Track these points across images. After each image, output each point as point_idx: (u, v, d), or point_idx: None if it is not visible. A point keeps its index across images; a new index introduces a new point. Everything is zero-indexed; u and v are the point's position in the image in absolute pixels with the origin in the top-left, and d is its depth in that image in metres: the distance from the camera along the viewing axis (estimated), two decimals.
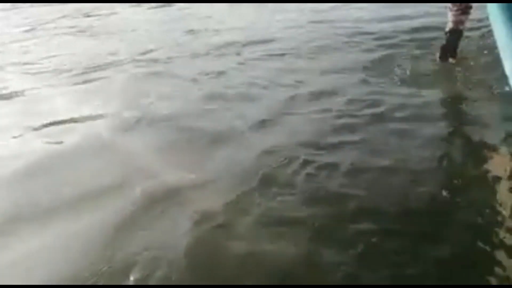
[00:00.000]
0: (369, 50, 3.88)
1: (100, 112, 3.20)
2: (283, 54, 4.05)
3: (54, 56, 5.01)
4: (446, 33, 3.29)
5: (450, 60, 3.33)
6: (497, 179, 1.93)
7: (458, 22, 3.21)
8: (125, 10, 7.59)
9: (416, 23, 4.37)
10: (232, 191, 2.04)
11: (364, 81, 3.23)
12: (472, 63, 3.31)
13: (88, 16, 7.41)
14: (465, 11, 3.16)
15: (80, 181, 2.33)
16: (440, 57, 3.35)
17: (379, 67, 3.45)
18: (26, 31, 6.73)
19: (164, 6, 7.39)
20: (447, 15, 3.25)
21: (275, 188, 2.03)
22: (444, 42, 3.32)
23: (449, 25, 3.25)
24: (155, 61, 4.35)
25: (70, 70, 4.35)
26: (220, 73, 3.74)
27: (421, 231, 1.69)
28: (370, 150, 2.29)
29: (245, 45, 4.49)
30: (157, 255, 1.71)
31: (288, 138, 2.49)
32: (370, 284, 1.48)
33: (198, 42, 4.90)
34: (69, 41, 5.75)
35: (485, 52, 3.35)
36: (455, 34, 3.26)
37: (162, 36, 5.41)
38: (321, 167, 2.14)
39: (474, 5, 3.14)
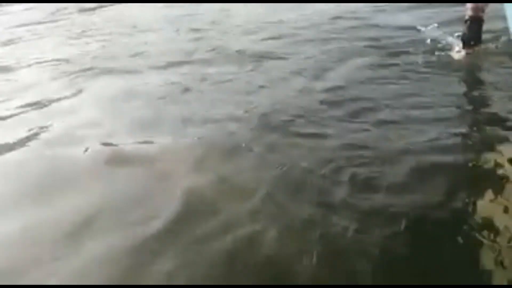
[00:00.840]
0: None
1: None
2: None
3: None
4: (466, 21, 3.21)
5: (475, 48, 3.25)
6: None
7: (478, 9, 3.12)
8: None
9: None
10: None
11: None
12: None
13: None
14: None
15: None
16: (464, 46, 3.27)
17: None
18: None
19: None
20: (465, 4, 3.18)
21: None
22: (465, 31, 3.24)
23: (468, 13, 3.17)
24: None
25: None
26: None
27: None
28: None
29: None
30: None
31: None
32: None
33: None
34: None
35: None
36: (476, 21, 3.17)
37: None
38: None
39: None
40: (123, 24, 6.62)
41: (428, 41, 3.59)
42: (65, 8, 8.84)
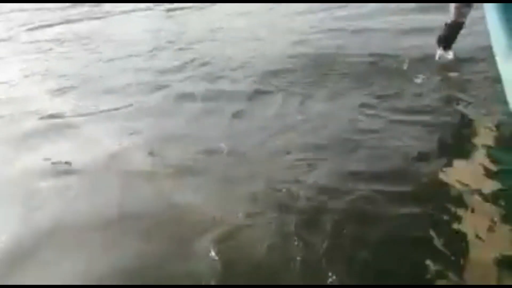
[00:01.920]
0: None
1: None
2: None
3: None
4: (445, 24, 3.30)
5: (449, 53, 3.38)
6: None
7: (460, 15, 3.20)
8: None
9: None
10: None
11: None
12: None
13: None
14: (468, 4, 3.15)
15: None
16: (443, 48, 3.38)
17: None
18: None
19: None
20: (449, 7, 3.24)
21: None
22: (443, 33, 3.33)
23: (451, 17, 3.24)
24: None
25: None
26: None
27: None
28: None
29: None
30: None
31: None
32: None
33: None
34: None
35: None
36: (456, 26, 3.26)
37: None
38: None
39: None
40: None
41: None
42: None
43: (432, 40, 3.47)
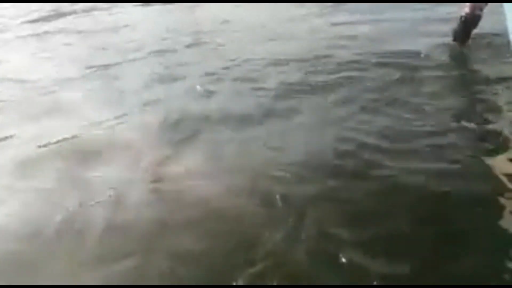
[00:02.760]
0: None
1: None
2: None
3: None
4: (460, 17, 3.07)
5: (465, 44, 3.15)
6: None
7: (475, 7, 2.98)
8: None
9: None
10: None
11: None
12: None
13: None
14: None
15: None
16: (458, 41, 3.17)
17: None
18: None
19: None
20: None
21: None
22: (458, 27, 3.11)
23: (466, 10, 3.02)
24: None
25: None
26: None
27: None
28: None
29: None
30: None
31: None
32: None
33: None
34: None
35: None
36: (472, 19, 3.03)
37: None
38: None
39: None
40: None
41: None
42: None
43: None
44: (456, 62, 3.11)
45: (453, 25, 3.17)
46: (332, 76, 3.01)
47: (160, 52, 4.12)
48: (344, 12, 4.57)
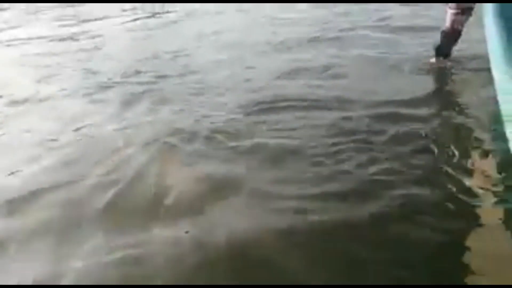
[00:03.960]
0: None
1: None
2: None
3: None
4: (441, 32, 3.14)
5: (446, 62, 3.21)
6: None
7: (456, 22, 3.05)
8: None
9: None
10: None
11: None
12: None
13: None
14: (465, 12, 2.99)
15: None
16: (436, 57, 3.22)
17: None
18: None
19: None
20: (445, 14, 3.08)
21: None
22: (439, 42, 3.17)
23: (446, 25, 3.09)
24: None
25: None
26: None
27: None
28: None
29: None
30: None
31: None
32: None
33: None
34: None
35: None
36: (452, 34, 3.10)
37: None
38: None
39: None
40: None
41: None
42: None
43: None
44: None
45: (435, 39, 3.24)
46: None
47: None
48: None
